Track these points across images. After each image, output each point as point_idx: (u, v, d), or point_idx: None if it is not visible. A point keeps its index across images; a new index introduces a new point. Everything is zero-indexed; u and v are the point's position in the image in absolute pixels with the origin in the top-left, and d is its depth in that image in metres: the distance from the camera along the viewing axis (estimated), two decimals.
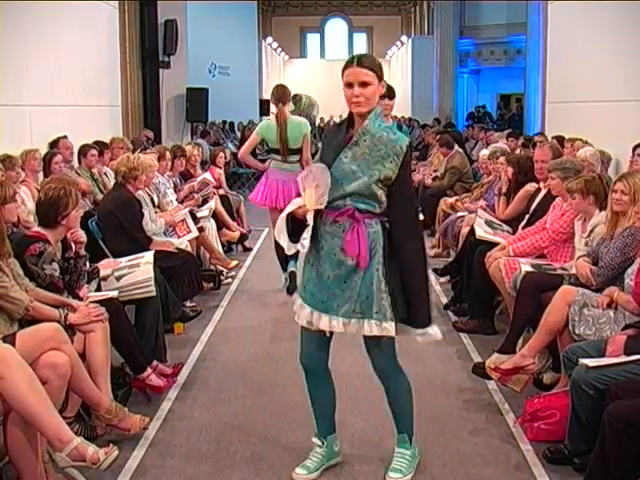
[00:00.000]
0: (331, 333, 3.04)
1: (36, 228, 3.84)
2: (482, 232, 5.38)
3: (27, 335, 3.08)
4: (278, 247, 5.89)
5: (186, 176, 7.60)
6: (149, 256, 4.54)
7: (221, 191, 8.14)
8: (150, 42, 11.23)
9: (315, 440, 3.24)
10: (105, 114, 8.87)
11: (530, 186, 5.62)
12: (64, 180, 3.93)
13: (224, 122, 17.22)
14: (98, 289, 4.22)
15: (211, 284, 6.29)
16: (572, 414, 3.19)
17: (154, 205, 5.81)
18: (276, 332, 5.25)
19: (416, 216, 3.02)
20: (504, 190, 5.92)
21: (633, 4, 6.89)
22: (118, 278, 4.29)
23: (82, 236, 4.04)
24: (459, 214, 6.85)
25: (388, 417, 3.25)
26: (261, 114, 18.03)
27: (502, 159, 6.34)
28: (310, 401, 3.22)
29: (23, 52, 6.52)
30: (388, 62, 30.24)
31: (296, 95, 6.99)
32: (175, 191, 6.84)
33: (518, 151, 7.56)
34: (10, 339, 3.02)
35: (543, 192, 5.28)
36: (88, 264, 4.10)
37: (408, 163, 2.95)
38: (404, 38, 29.15)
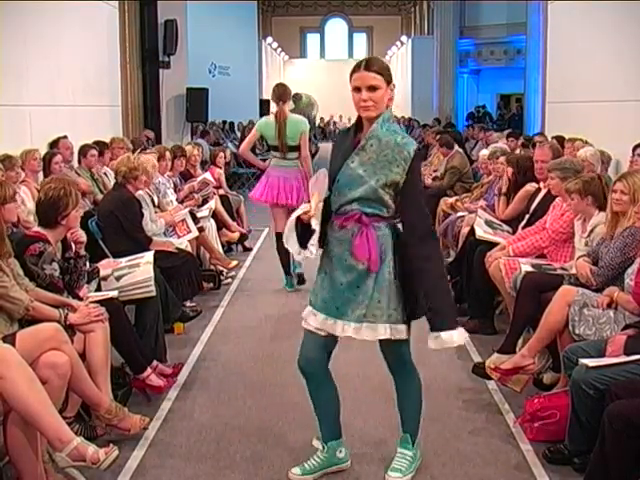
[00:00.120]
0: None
1: (36, 228, 3.83)
2: (482, 232, 5.38)
3: (27, 335, 3.08)
4: (281, 251, 5.91)
5: (186, 176, 7.60)
6: (149, 256, 4.54)
7: (221, 191, 8.14)
8: (150, 42, 11.23)
9: (316, 443, 3.21)
10: (105, 114, 8.86)
11: (530, 186, 5.62)
12: (64, 180, 3.92)
13: (224, 122, 17.21)
14: (98, 289, 4.22)
15: (211, 284, 6.29)
16: (572, 414, 3.19)
17: (154, 205, 5.81)
18: (276, 332, 5.25)
19: (429, 219, 2.99)
20: (504, 190, 5.92)
21: (633, 4, 6.89)
22: (118, 278, 4.29)
23: (82, 236, 4.03)
24: (459, 214, 6.84)
25: (388, 417, 3.25)
26: (261, 114, 17.96)
27: (502, 159, 6.33)
28: (312, 404, 3.18)
29: (23, 52, 6.52)
30: (388, 62, 30.21)
31: (296, 94, 7.02)
32: (175, 191, 6.84)
33: (518, 151, 7.55)
34: (10, 339, 3.01)
35: (543, 192, 5.28)
36: (88, 264, 4.09)
37: (417, 167, 2.91)
38: (404, 38, 29.21)
